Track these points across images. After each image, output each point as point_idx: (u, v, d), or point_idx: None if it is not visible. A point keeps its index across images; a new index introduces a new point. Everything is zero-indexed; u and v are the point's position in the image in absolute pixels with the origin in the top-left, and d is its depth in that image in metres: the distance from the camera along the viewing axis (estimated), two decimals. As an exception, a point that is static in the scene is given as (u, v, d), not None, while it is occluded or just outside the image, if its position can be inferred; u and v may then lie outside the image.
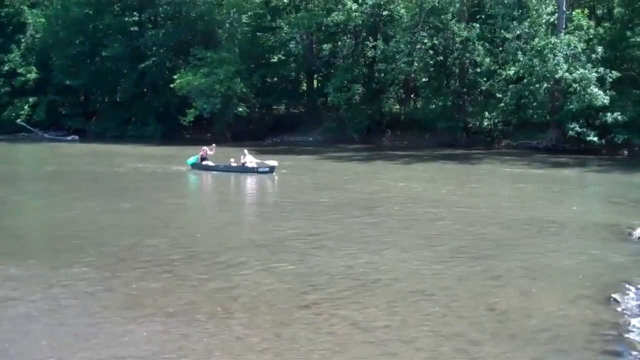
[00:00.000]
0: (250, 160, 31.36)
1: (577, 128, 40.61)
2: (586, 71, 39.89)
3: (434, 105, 49.09)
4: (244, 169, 31.00)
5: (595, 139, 40.28)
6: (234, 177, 30.01)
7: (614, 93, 40.46)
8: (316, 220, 18.88)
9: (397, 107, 54.49)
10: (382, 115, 51.36)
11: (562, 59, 40.35)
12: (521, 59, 41.90)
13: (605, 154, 39.97)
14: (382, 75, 49.72)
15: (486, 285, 12.53)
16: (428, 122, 47.91)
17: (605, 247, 15.65)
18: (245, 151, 31.99)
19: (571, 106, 40.30)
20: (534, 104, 44.35)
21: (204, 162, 32.10)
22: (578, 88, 40.06)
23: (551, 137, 43.31)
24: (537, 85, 41.88)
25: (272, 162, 30.80)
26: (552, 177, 30.32)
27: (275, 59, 55.91)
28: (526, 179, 29.70)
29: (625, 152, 40.63)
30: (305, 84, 58.02)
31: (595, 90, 39.60)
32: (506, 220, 19.04)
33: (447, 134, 46.65)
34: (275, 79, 57.13)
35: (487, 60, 44.99)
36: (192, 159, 32.17)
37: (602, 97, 39.48)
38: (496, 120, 45.41)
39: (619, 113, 39.70)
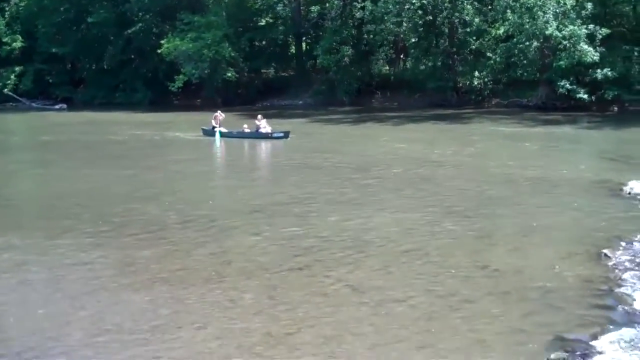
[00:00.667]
0: (264, 125, 31.00)
1: (567, 85, 40.56)
2: (576, 28, 39.67)
3: (423, 66, 49.05)
4: (257, 135, 30.69)
5: (585, 95, 40.35)
6: (247, 143, 29.76)
7: (603, 49, 40.24)
8: (316, 184, 18.91)
9: (387, 68, 54.37)
10: (371, 77, 51.31)
11: (551, 16, 40.08)
12: (510, 17, 41.72)
13: (596, 110, 39.97)
14: (371, 36, 49.53)
15: (479, 244, 12.58)
16: (418, 83, 47.89)
17: (596, 203, 15.70)
18: (259, 117, 31.68)
19: (561, 62, 40.16)
20: (524, 62, 44.14)
21: (216, 129, 31.55)
22: (568, 45, 39.88)
23: (541, 94, 43.23)
24: (527, 43, 41.67)
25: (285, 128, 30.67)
26: (543, 135, 30.29)
27: (263, 22, 55.54)
28: (517, 137, 29.66)
29: (615, 108, 40.67)
30: (294, 47, 57.61)
31: (585, 46, 39.44)
32: (498, 179, 19.06)
33: (437, 94, 46.57)
34: (264, 42, 56.52)
35: (477, 19, 44.74)
36: (208, 127, 31.78)
37: (592, 54, 39.33)
38: (486, 79, 45.33)
39: (609, 69, 39.63)
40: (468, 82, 45.80)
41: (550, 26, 39.89)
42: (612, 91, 40.11)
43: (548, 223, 13.94)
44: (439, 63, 47.30)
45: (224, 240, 13.32)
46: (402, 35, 49.60)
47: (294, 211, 15.42)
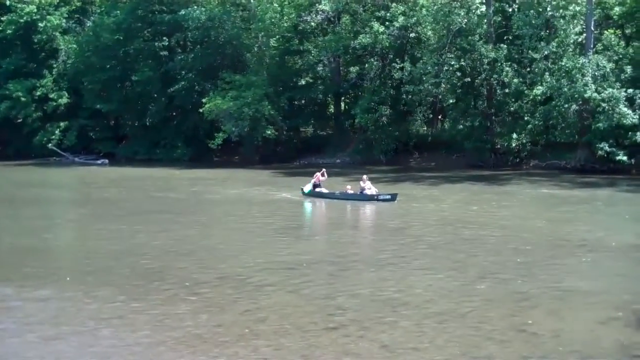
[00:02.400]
0: (369, 187, 29.40)
1: (606, 147, 40.26)
2: (614, 90, 39.66)
3: (461, 126, 48.98)
4: (362, 197, 29.07)
5: (625, 158, 40.04)
6: (350, 205, 28.28)
7: None
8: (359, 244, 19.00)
9: (424, 128, 54.39)
10: (409, 137, 51.34)
11: (590, 79, 40.15)
12: (549, 80, 41.74)
13: (635, 173, 39.71)
14: (409, 96, 49.64)
15: (516, 307, 12.40)
16: (455, 143, 47.94)
17: (637, 269, 15.50)
18: (365, 177, 30.06)
19: (599, 124, 39.97)
20: (562, 124, 44.19)
21: (317, 189, 30.35)
22: (607, 107, 39.73)
23: (579, 157, 42.99)
24: (566, 106, 41.62)
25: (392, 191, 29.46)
26: (582, 198, 30.06)
27: (303, 82, 56.22)
28: (556, 199, 29.49)
29: None
30: (332, 106, 58.26)
31: (624, 109, 39.37)
32: (536, 241, 18.93)
33: (474, 155, 46.53)
34: (303, 101, 57.02)
35: (515, 80, 44.64)
36: (307, 188, 30.37)
37: (631, 116, 39.33)
38: (524, 140, 45.06)
39: None
40: (506, 144, 45.43)
41: (589, 89, 39.80)
42: None
43: (587, 287, 13.74)
44: (477, 124, 47.14)
45: (259, 298, 13.20)
46: (440, 96, 49.76)
47: (328, 270, 15.34)
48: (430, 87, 46.03)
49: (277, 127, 50.87)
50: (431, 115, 53.38)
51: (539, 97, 43.04)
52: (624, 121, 39.23)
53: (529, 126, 44.20)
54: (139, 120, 60.12)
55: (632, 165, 40.28)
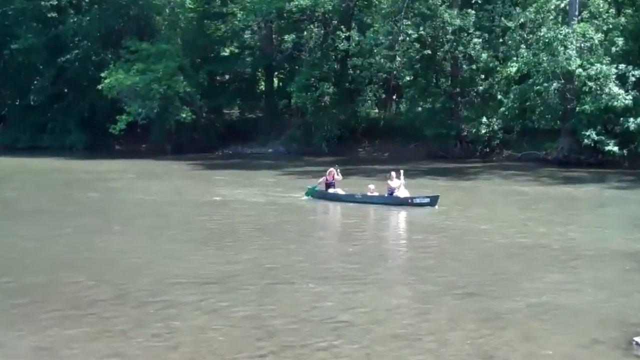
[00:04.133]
0: (398, 185, 27.51)
1: (594, 135, 40.55)
2: (604, 66, 39.88)
3: (420, 109, 48.87)
4: (390, 200, 27.40)
5: (616, 148, 40.32)
6: (374, 211, 26.68)
7: (637, 93, 40.60)
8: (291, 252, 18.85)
9: (376, 111, 54.90)
10: (357, 121, 51.45)
11: (574, 52, 40.38)
12: (525, 53, 42.02)
13: (628, 167, 40.10)
14: (357, 72, 49.62)
15: (483, 328, 12.44)
16: (414, 130, 47.84)
17: (627, 280, 15.62)
18: (393, 174, 28.02)
19: (585, 107, 40.14)
20: (541, 107, 44.29)
21: (332, 190, 28.94)
22: (594, 87, 40.11)
23: (562, 146, 43.37)
24: (545, 85, 41.81)
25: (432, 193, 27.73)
26: (564, 196, 30.25)
27: (226, 52, 55.85)
28: (533, 198, 29.62)
29: None
30: (263, 83, 57.90)
31: (615, 89, 39.70)
32: (508, 249, 19.09)
33: (436, 144, 46.75)
34: (227, 76, 57.03)
35: (485, 55, 44.99)
36: (320, 187, 29.29)
37: (623, 98, 39.55)
38: (496, 126, 45.47)
39: None
40: (474, 130, 45.62)
41: (574, 63, 40.05)
42: None
43: (567, 303, 13.84)
44: (439, 106, 47.27)
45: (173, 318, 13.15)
46: (394, 72, 49.62)
47: (259, 285, 15.25)
48: (382, 60, 46.01)
49: (195, 108, 50.50)
50: (384, 95, 53.55)
51: (514, 75, 43.28)
52: (615, 103, 39.50)
53: (502, 109, 44.32)
54: (20, 99, 59.26)
55: (625, 157, 40.70)
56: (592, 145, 41.03)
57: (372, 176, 36.82)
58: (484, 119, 45.13)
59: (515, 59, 42.88)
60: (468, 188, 33.14)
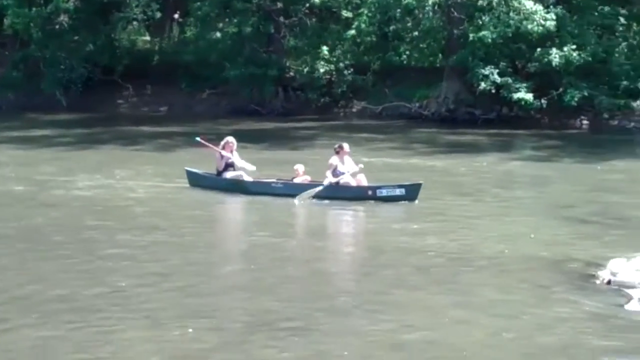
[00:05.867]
0: (351, 167, 23.88)
1: (495, 76, 38.15)
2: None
3: (218, 34, 45.91)
4: (342, 192, 23.89)
5: (529, 96, 37.98)
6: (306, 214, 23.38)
7: (563, 10, 38.49)
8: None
9: (147, 38, 52.04)
10: (115, 55, 47.97)
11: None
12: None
13: (548, 124, 38.91)
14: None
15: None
16: (208, 68, 44.79)
17: (552, 300, 14.73)
18: (346, 147, 24.25)
19: (484, 33, 37.67)
20: (413, 32, 42.57)
21: (230, 174, 24.59)
22: (496, 1, 37.70)
23: (446, 95, 41.08)
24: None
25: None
26: (448, 172, 28.56)
27: None
28: (403, 177, 26.61)
29: (585, 121, 39.15)
30: None
31: (529, 4, 37.36)
32: (384, 254, 17.87)
33: (246, 91, 43.81)
34: None
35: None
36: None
37: (540, 18, 37.31)
38: (342, 64, 42.77)
39: (573, 47, 37.31)
40: (306, 70, 43.17)
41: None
42: (579, 91, 37.80)
43: (465, 340, 12.55)
44: (250, 30, 44.06)
45: None
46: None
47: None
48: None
49: None
50: (159, 14, 48.78)
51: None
52: (528, 27, 37.29)
53: (350, 34, 42.02)
54: None
55: (543, 110, 38.82)
56: (493, 92, 38.81)
57: (145, 149, 33.94)
58: (323, 51, 42.67)
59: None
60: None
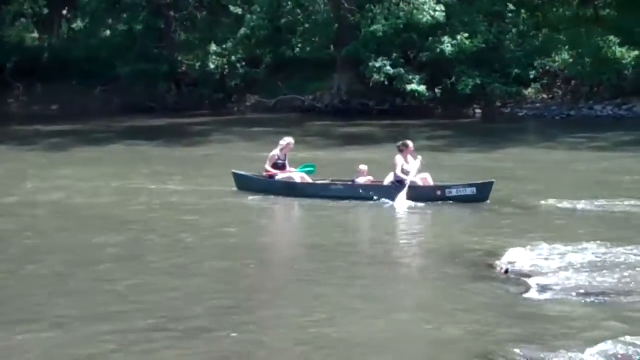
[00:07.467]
0: (415, 168, 22.71)
1: (388, 68, 39.03)
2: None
3: (108, 31, 46.52)
4: (409, 193, 22.40)
5: (422, 87, 38.99)
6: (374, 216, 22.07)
7: (453, 0, 39.49)
8: None
9: (35, 35, 51.55)
10: (3, 53, 47.52)
11: None
12: None
13: (442, 114, 39.68)
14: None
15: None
16: (98, 65, 44.72)
17: (453, 291, 14.62)
18: (410, 144, 23.20)
19: (376, 27, 38.43)
20: (305, 24, 43.30)
21: (282, 174, 23.46)
22: None
23: (339, 87, 42.02)
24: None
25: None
26: (345, 163, 28.33)
27: None
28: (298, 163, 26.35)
29: (477, 110, 40.17)
30: None
31: None
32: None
33: (138, 87, 43.97)
34: None
35: None
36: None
37: (431, 7, 38.08)
38: (234, 57, 43.54)
39: (465, 35, 38.32)
40: (199, 64, 43.77)
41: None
42: (472, 79, 38.72)
43: (369, 334, 12.40)
44: (140, 26, 43.95)
45: None
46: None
47: None
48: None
49: None
50: (47, 10, 48.74)
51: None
52: (419, 17, 38.14)
53: (243, 30, 42.76)
54: None
55: (436, 100, 39.69)
56: (385, 83, 39.70)
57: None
58: (214, 46, 43.42)
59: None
60: (192, 160, 30.03)
